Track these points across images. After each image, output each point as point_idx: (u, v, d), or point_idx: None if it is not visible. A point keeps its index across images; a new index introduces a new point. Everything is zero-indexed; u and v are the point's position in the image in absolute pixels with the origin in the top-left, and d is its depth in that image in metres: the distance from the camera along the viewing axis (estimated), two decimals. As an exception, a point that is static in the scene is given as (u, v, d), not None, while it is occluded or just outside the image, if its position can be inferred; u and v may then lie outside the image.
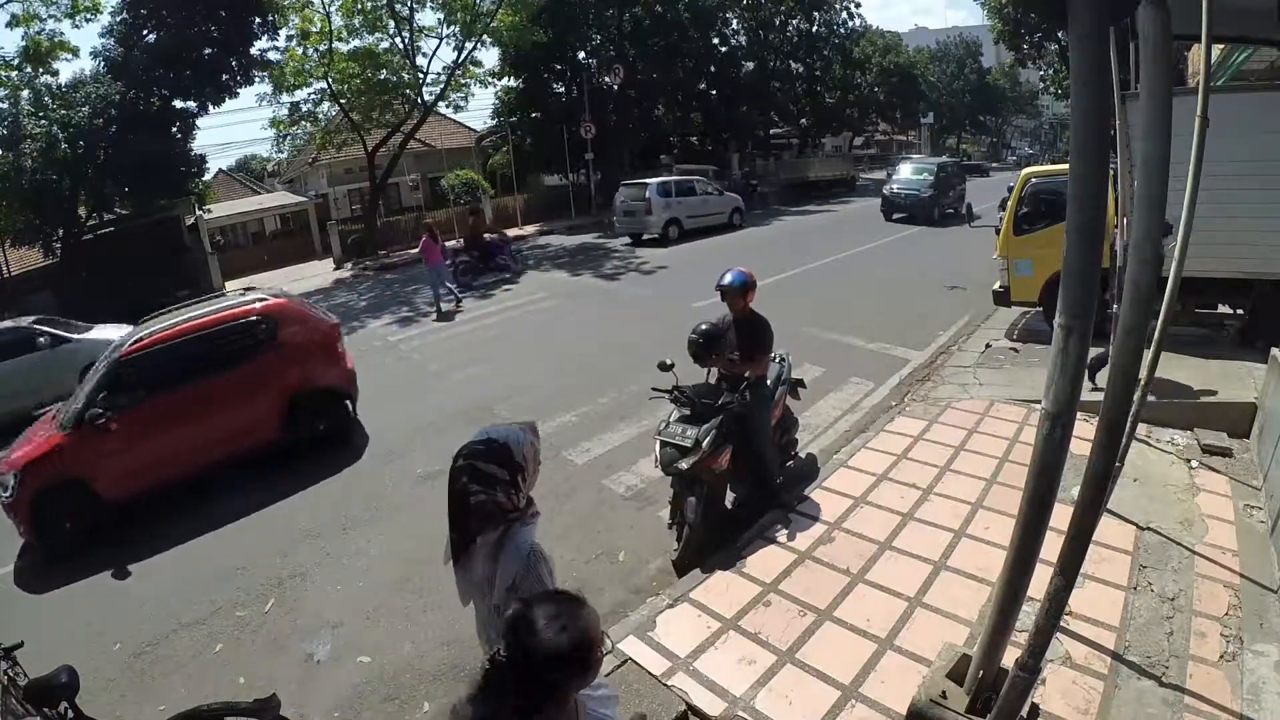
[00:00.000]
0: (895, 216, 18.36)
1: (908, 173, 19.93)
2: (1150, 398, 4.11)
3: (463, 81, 22.44)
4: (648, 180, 17.63)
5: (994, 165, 46.81)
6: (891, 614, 3.32)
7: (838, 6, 34.31)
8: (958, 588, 3.47)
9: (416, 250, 12.27)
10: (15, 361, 8.58)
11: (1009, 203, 7.61)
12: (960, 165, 24.13)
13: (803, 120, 36.37)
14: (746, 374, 4.19)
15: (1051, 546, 2.28)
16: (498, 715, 1.28)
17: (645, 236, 17.39)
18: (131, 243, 16.72)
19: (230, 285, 18.39)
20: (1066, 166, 2.31)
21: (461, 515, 1.86)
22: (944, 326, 8.36)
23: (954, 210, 19.42)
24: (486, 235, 14.72)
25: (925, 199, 18.17)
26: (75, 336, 9.11)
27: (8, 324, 9.27)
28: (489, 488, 1.84)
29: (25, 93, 15.36)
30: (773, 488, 4.45)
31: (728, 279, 4.32)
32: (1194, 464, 4.57)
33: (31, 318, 9.47)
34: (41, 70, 15.44)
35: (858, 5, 35.37)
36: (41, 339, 8.80)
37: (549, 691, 1.31)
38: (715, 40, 31.25)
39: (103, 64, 16.23)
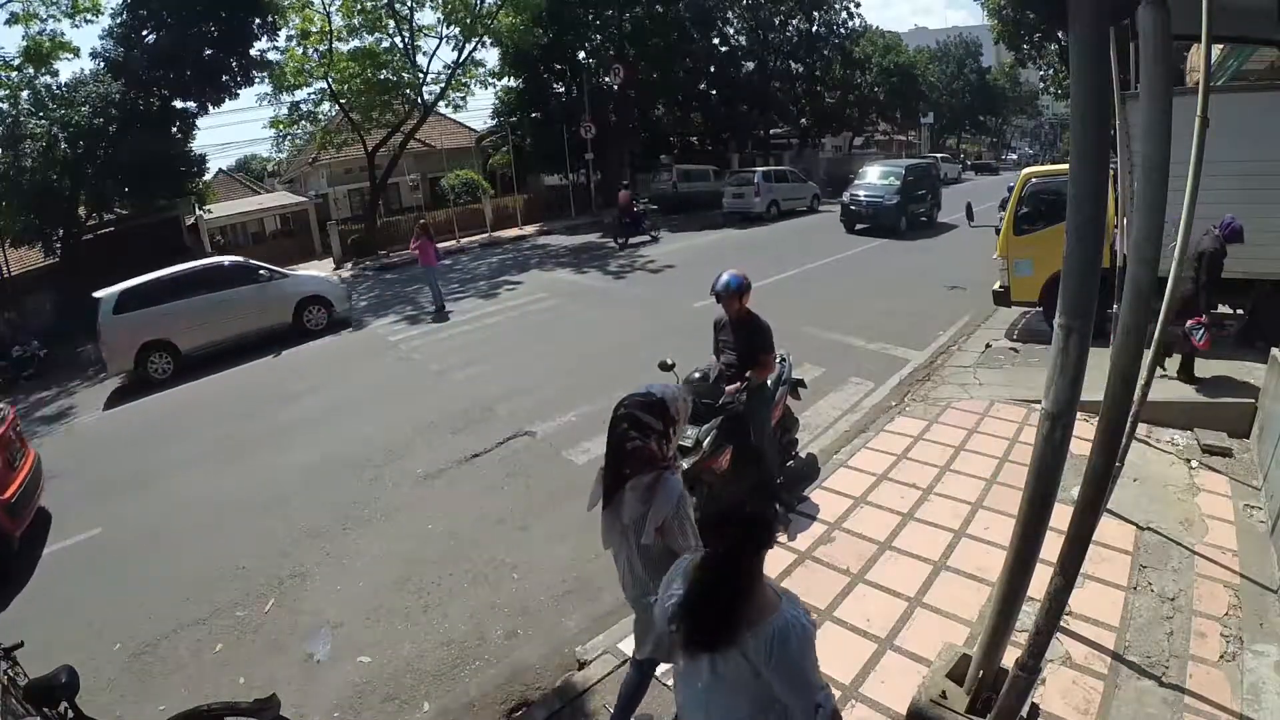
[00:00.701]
0: (858, 228, 16.64)
1: (872, 177, 17.77)
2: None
3: (463, 81, 22.44)
4: (755, 169, 22.71)
5: (995, 164, 46.80)
6: (891, 614, 3.32)
7: (837, 6, 34.23)
8: (958, 588, 3.47)
9: (413, 250, 12.25)
10: (243, 289, 10.79)
11: (1009, 203, 7.61)
12: (931, 167, 20.54)
13: (803, 120, 36.30)
14: (748, 374, 4.19)
15: (1051, 546, 2.28)
16: (720, 585, 1.53)
17: (753, 213, 20.40)
18: (131, 243, 16.71)
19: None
20: (1066, 166, 2.31)
21: (617, 458, 2.12)
22: (944, 326, 8.36)
23: (927, 217, 17.82)
24: (635, 206, 18.07)
25: (890, 207, 16.27)
26: (285, 272, 11.79)
27: (223, 259, 11.51)
28: (644, 435, 2.07)
29: (25, 93, 15.37)
30: (773, 488, 4.45)
31: (721, 282, 4.23)
32: (1194, 464, 4.58)
33: (231, 258, 11.47)
34: (42, 70, 15.45)
35: (857, 5, 35.33)
36: (261, 271, 11.11)
37: (755, 549, 1.57)
38: (715, 40, 31.19)
39: (103, 64, 16.24)
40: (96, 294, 9.91)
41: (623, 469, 2.09)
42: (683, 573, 1.65)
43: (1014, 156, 57.29)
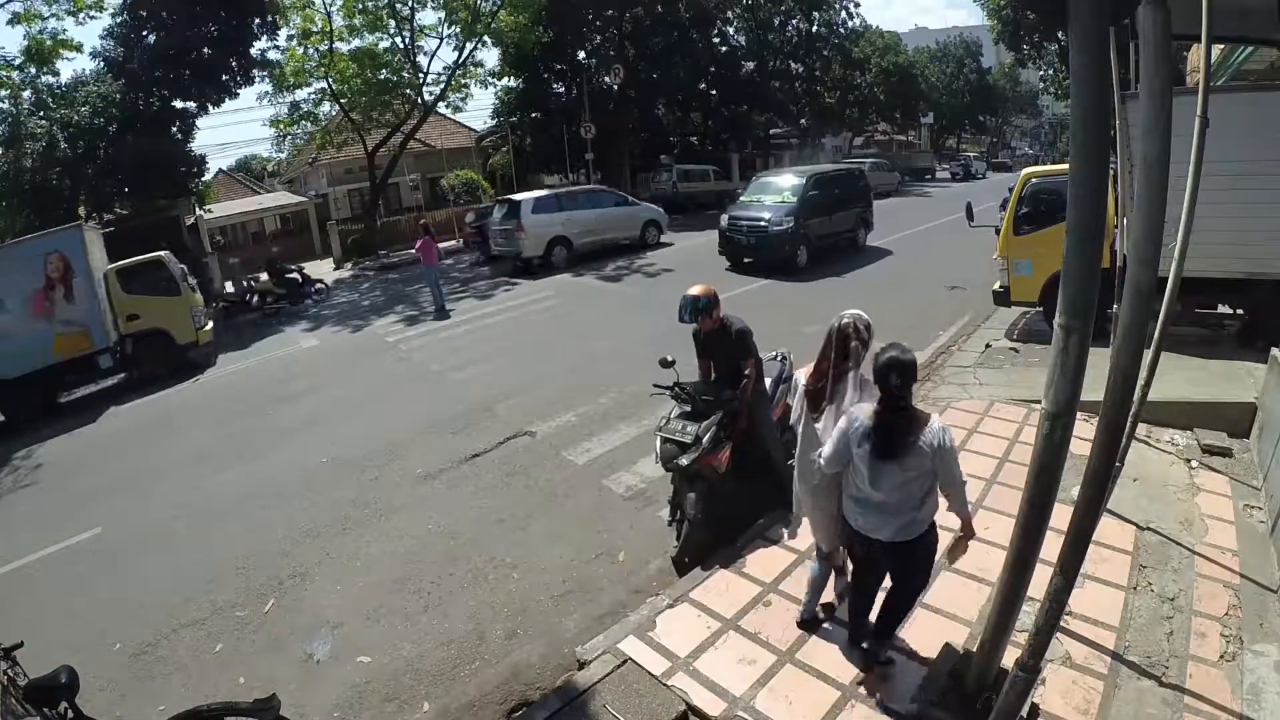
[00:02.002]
0: (746, 261, 12.46)
1: (762, 192, 13.24)
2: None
3: (463, 81, 22.45)
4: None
5: (1009, 162, 46.87)
6: (891, 614, 3.31)
7: (837, 6, 34.29)
8: (958, 588, 3.47)
9: (415, 250, 12.27)
10: (619, 209, 16.53)
11: (1009, 203, 7.61)
12: (851, 175, 14.69)
13: (803, 120, 36.35)
14: (747, 371, 4.19)
15: (1051, 546, 2.29)
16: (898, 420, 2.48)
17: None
18: (131, 243, 16.64)
19: (230, 286, 18.46)
20: (1066, 166, 2.32)
21: (842, 352, 2.89)
22: (944, 326, 8.35)
23: (851, 240, 13.77)
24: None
25: (778, 235, 11.81)
26: (636, 201, 17.82)
27: (599, 186, 18.11)
28: (860, 340, 2.89)
29: (26, 93, 15.38)
30: (782, 481, 4.40)
31: (685, 311, 4.14)
32: (1194, 464, 4.57)
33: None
34: (44, 70, 15.45)
35: (857, 5, 35.41)
36: (625, 197, 17.44)
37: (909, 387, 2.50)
38: (715, 40, 31.23)
39: (103, 64, 16.25)
40: (515, 197, 15.11)
41: (845, 362, 2.89)
42: (863, 417, 2.57)
43: (1014, 157, 57.32)
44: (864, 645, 2.94)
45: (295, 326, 13.00)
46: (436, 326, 11.14)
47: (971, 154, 44.41)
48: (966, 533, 2.66)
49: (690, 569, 3.88)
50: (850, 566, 3.05)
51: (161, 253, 11.03)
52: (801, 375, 3.09)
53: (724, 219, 13.03)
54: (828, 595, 3.33)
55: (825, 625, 3.26)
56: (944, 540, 2.75)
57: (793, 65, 34.15)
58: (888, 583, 2.83)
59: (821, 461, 2.73)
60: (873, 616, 2.92)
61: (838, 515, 2.80)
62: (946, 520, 2.66)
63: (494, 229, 15.54)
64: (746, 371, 4.20)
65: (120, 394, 9.88)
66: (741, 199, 13.94)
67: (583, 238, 15.30)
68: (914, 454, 2.43)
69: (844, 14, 34.75)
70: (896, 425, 2.46)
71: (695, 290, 4.17)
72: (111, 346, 10.21)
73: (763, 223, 12.14)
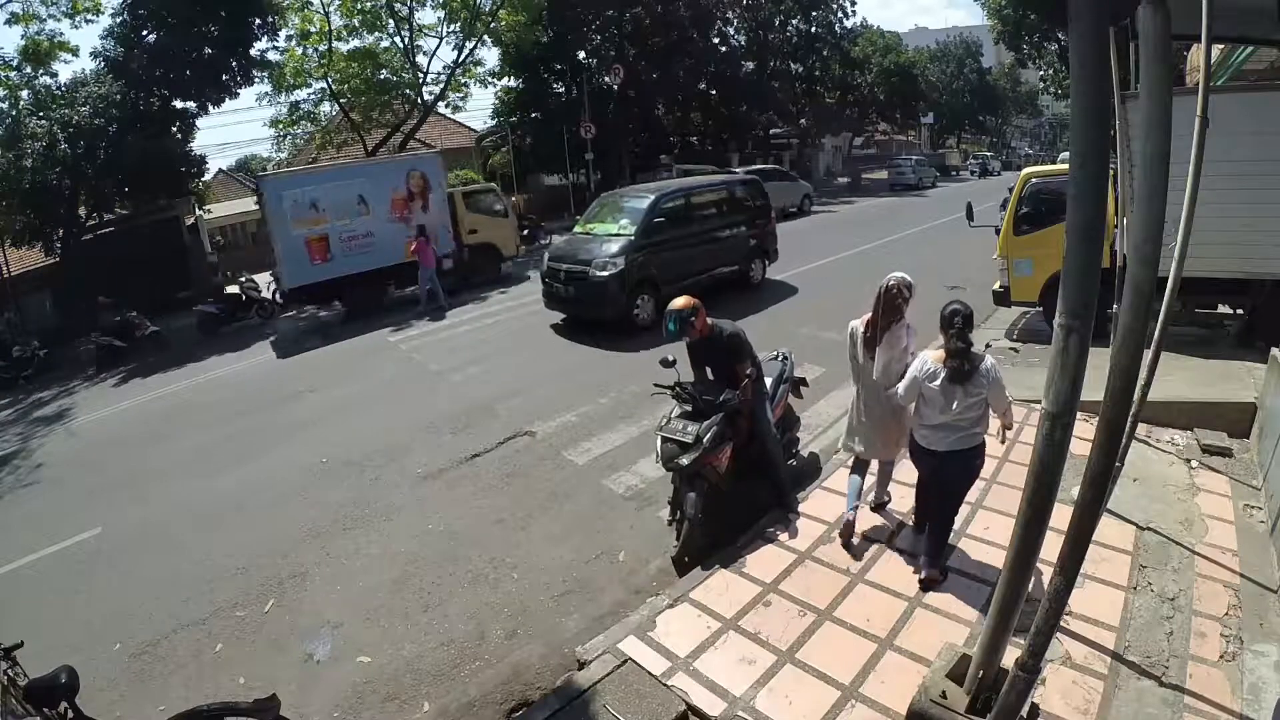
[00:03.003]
0: (568, 317, 9.85)
1: (598, 220, 10.17)
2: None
3: (462, 81, 22.46)
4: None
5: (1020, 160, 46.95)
6: (891, 614, 3.32)
7: (834, 5, 34.27)
8: (958, 588, 3.47)
9: (410, 252, 12.25)
10: (783, 183, 20.77)
11: (1009, 203, 7.61)
12: (741, 189, 11.08)
13: (802, 120, 36.34)
14: (748, 371, 4.20)
15: (1051, 546, 2.28)
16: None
17: None
18: (131, 243, 16.71)
19: (231, 286, 18.55)
20: (1066, 166, 2.31)
21: (890, 310, 3.59)
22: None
23: (739, 277, 10.62)
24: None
25: (605, 283, 8.72)
26: (796, 176, 22.61)
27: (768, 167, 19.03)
28: (903, 298, 3.57)
29: (25, 93, 15.37)
30: (781, 487, 4.42)
31: (668, 329, 4.15)
32: (1194, 464, 4.57)
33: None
34: (41, 70, 15.45)
35: (853, 3, 35.42)
36: (791, 173, 23.61)
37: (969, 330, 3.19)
38: (715, 40, 31.24)
39: (103, 64, 16.23)
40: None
41: (892, 318, 3.59)
42: (930, 360, 3.29)
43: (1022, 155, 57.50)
44: (922, 557, 3.59)
45: (296, 326, 13.02)
46: (436, 327, 11.13)
47: (988, 154, 47.63)
48: (1007, 424, 3.50)
49: (690, 569, 3.88)
50: (879, 474, 4.12)
51: (493, 183, 15.94)
52: (860, 323, 3.82)
53: (545, 258, 9.90)
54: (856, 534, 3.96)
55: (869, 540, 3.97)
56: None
57: (792, 65, 34.14)
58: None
59: (899, 394, 3.46)
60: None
61: (906, 430, 3.67)
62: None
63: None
64: (748, 372, 4.20)
65: (122, 391, 9.88)
66: (575, 230, 10.46)
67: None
68: (975, 381, 3.19)
69: (840, 13, 34.71)
70: (963, 357, 3.17)
71: (676, 304, 4.20)
72: (452, 253, 13.26)
73: (583, 267, 8.83)
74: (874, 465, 4.11)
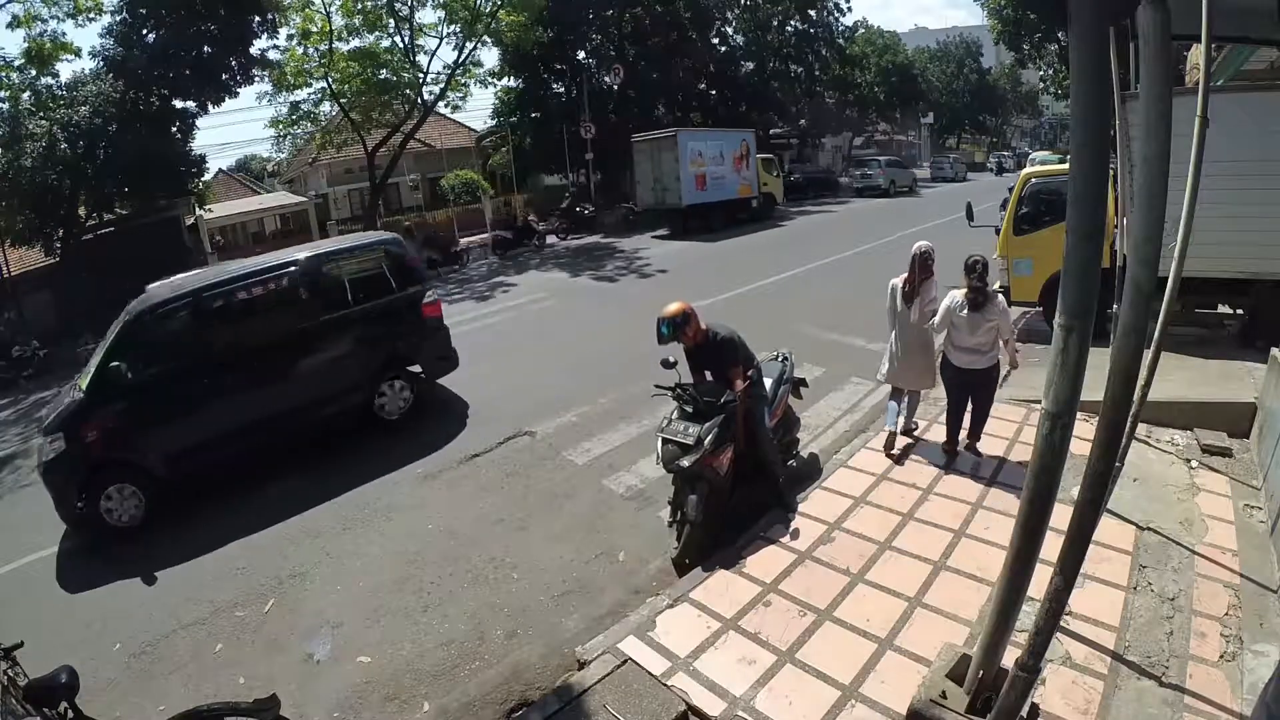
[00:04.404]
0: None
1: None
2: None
3: (462, 81, 22.43)
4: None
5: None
6: (891, 614, 3.32)
7: (830, 5, 34.24)
8: (958, 588, 3.47)
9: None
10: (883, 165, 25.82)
11: (1009, 203, 7.61)
12: (357, 257, 6.67)
13: (802, 120, 36.34)
14: (749, 372, 4.20)
15: (1051, 546, 2.28)
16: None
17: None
18: (131, 243, 16.70)
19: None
20: (1066, 166, 2.31)
21: (923, 269, 4.70)
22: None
23: (358, 409, 6.61)
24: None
25: (47, 470, 5.23)
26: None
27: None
28: (931, 260, 4.68)
29: (26, 94, 15.35)
30: (778, 488, 4.43)
31: (662, 334, 4.19)
32: (1194, 464, 4.57)
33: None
34: (43, 71, 15.43)
35: (849, 1, 35.42)
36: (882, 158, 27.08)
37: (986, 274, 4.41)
38: (715, 40, 31.25)
39: (103, 64, 16.22)
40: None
41: (924, 276, 4.72)
42: (958, 296, 4.39)
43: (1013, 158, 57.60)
44: (946, 450, 4.80)
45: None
46: (436, 326, 11.11)
47: (1005, 153, 49.12)
48: (1011, 350, 4.53)
49: (690, 570, 3.88)
50: (909, 403, 5.16)
51: (770, 155, 25.29)
52: (899, 280, 4.84)
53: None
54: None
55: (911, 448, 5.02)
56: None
57: (791, 66, 34.13)
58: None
59: (935, 323, 4.59)
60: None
61: (933, 365, 4.89)
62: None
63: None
64: (748, 374, 4.20)
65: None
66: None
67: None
68: (988, 309, 4.33)
69: (838, 11, 34.67)
70: (980, 291, 4.34)
71: (669, 309, 4.21)
72: (756, 196, 21.64)
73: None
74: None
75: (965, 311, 4.36)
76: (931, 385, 5.03)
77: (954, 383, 4.63)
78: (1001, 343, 4.45)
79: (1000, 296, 4.41)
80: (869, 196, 27.00)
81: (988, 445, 4.97)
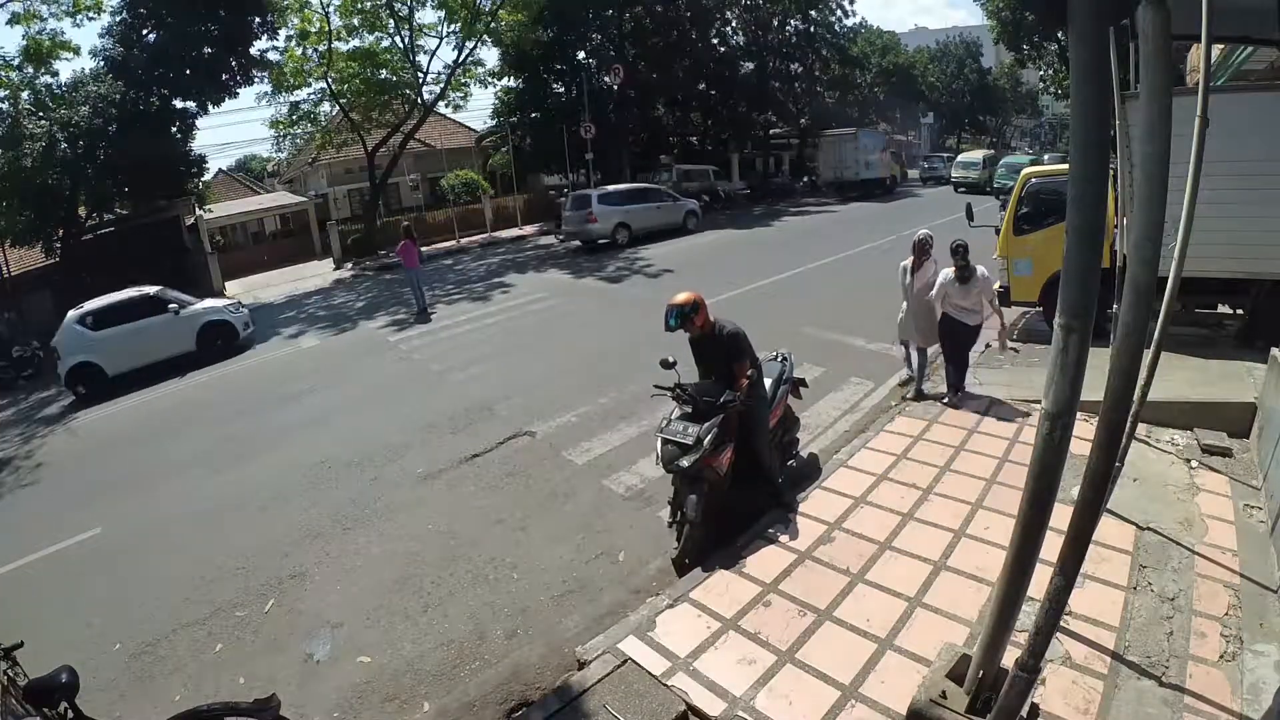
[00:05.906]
0: None
1: None
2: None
3: (462, 81, 22.45)
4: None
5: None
6: (891, 614, 3.32)
7: (831, 4, 34.24)
8: (958, 588, 3.47)
9: (395, 253, 12.28)
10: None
11: (1009, 203, 7.61)
12: None
13: (802, 120, 36.33)
14: (749, 372, 4.19)
15: (1051, 546, 2.28)
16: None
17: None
18: (131, 243, 16.74)
19: (230, 285, 18.48)
20: (1066, 166, 2.31)
21: (923, 252, 5.87)
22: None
23: None
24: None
25: None
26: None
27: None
28: (930, 244, 5.91)
29: (25, 93, 15.37)
30: (774, 488, 4.44)
31: (668, 323, 4.15)
32: (1194, 464, 4.57)
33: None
34: (42, 70, 15.45)
35: (853, 1, 35.47)
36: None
37: (967, 254, 5.54)
38: (715, 40, 31.23)
39: (103, 64, 16.23)
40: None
41: (924, 258, 5.87)
42: (950, 272, 5.54)
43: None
44: (954, 387, 5.82)
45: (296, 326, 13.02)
46: (436, 326, 11.13)
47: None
48: (995, 307, 5.75)
49: (690, 570, 3.88)
50: (919, 363, 6.12)
51: (895, 150, 32.83)
52: (907, 262, 5.96)
53: None
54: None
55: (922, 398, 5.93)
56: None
57: (791, 66, 34.13)
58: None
59: (933, 294, 5.64)
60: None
61: (936, 324, 5.75)
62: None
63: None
64: (749, 373, 4.20)
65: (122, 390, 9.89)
66: None
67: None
68: (972, 282, 5.46)
69: (840, 12, 34.68)
70: (964, 268, 5.43)
71: (678, 298, 4.19)
72: (891, 176, 28.34)
73: None
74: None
75: (956, 283, 5.53)
76: (934, 342, 5.97)
77: (946, 332, 5.75)
78: (986, 301, 5.59)
79: (981, 268, 5.51)
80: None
81: (987, 445, 4.99)
